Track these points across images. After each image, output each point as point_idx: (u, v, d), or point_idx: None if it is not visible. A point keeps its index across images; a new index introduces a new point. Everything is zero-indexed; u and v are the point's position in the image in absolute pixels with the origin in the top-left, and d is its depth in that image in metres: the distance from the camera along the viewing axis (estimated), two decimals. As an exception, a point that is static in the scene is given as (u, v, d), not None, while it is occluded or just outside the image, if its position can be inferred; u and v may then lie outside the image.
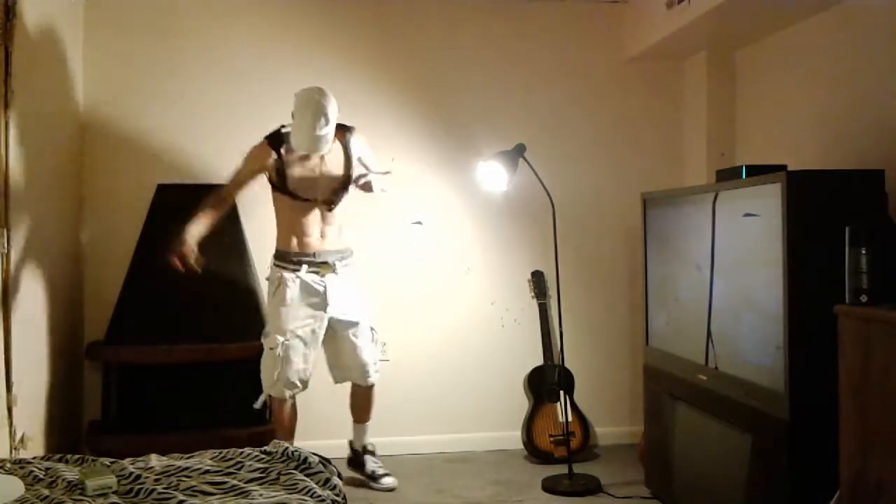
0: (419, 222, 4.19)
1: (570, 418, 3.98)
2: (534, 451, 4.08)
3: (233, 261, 3.96)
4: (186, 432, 3.65)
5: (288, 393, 3.50)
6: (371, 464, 3.73)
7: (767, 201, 2.58)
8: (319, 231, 3.53)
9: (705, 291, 3.05)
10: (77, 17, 3.97)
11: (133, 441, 3.52)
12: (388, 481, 3.67)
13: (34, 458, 2.52)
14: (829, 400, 2.30)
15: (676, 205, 3.42)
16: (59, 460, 2.47)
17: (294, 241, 3.51)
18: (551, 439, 4.05)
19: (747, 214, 2.80)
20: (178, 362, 3.66)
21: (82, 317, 4.00)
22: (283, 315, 3.45)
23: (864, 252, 2.23)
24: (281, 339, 3.44)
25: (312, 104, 3.32)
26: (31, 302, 3.27)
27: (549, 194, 3.79)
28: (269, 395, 3.56)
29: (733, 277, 2.91)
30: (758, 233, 2.72)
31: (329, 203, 3.51)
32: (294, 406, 3.60)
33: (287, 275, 3.48)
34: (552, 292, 4.17)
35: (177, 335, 3.72)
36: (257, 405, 3.60)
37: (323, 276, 3.50)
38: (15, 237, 3.10)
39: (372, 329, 3.66)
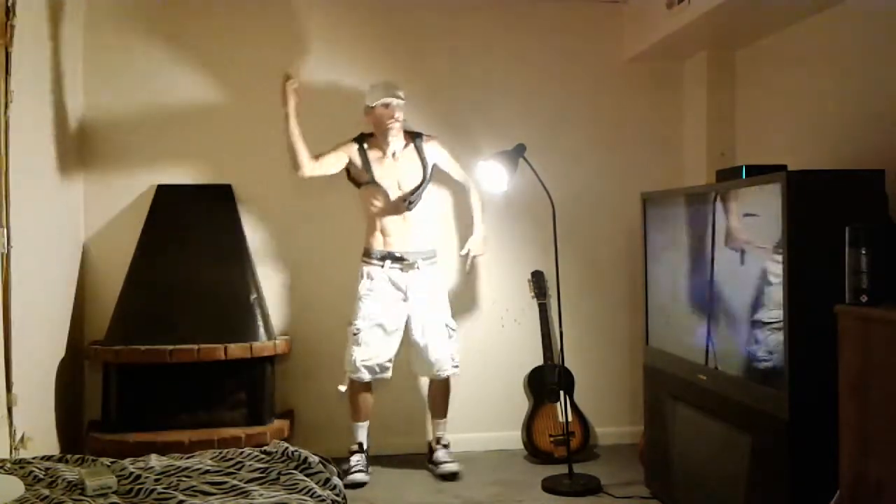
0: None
1: (570, 418, 3.98)
2: (534, 451, 4.08)
3: (233, 261, 3.96)
4: (186, 432, 3.65)
5: (364, 376, 3.74)
6: (440, 453, 3.89)
7: (767, 201, 2.59)
8: (402, 231, 3.80)
9: (705, 291, 3.05)
10: (77, 17, 3.96)
11: (133, 441, 3.54)
12: (449, 467, 3.81)
13: (34, 458, 2.52)
14: (829, 400, 2.30)
15: (676, 205, 3.42)
16: (59, 460, 2.47)
17: (379, 239, 3.80)
18: (551, 439, 4.05)
19: (747, 214, 2.80)
20: (177, 362, 3.66)
21: (82, 317, 4.00)
22: (364, 304, 3.75)
23: (864, 252, 2.23)
24: (360, 324, 3.73)
25: (382, 81, 3.80)
26: (31, 302, 3.27)
27: (549, 194, 3.79)
28: (350, 379, 3.77)
29: (733, 277, 2.91)
30: (758, 233, 2.72)
31: (407, 201, 3.76)
32: (369, 392, 3.84)
33: (369, 269, 3.78)
34: (552, 292, 4.16)
35: (177, 335, 3.72)
36: (341, 388, 3.79)
37: (406, 272, 3.76)
38: (15, 237, 3.10)
39: (448, 326, 3.84)
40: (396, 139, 3.80)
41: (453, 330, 3.89)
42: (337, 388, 3.80)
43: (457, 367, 3.89)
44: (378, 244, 3.80)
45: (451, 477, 3.77)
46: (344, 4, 4.21)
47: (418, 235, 3.84)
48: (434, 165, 3.90)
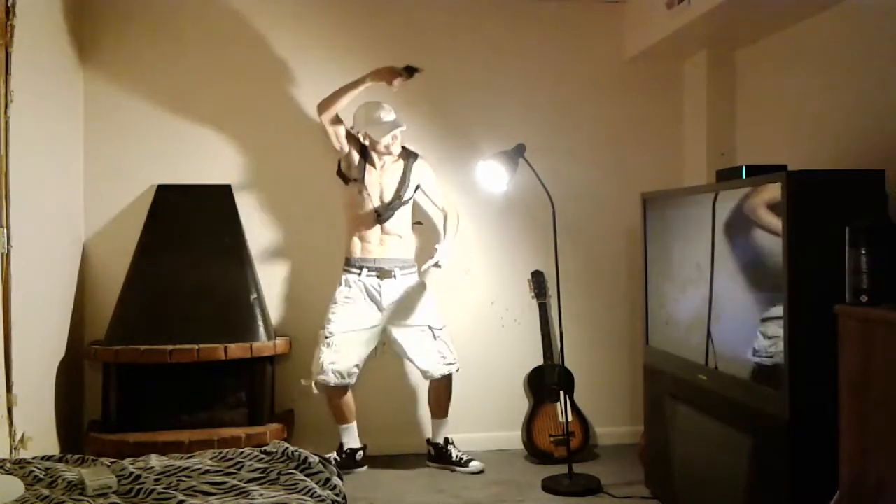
0: (419, 222, 4.17)
1: (570, 418, 3.98)
2: (534, 451, 4.08)
3: (233, 261, 3.96)
4: (186, 432, 3.66)
5: (329, 379, 3.74)
6: (455, 452, 3.95)
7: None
8: (380, 239, 3.84)
9: (705, 291, 3.05)
10: (77, 17, 3.96)
11: (133, 441, 3.54)
12: (475, 465, 3.89)
13: (34, 458, 2.52)
14: (829, 400, 2.30)
15: (676, 205, 3.42)
16: (59, 460, 2.47)
17: (357, 247, 3.84)
18: (551, 439, 4.05)
19: (748, 214, 2.80)
20: (177, 362, 3.66)
21: (82, 317, 4.00)
22: (337, 311, 3.79)
23: (864, 252, 2.23)
24: (332, 328, 3.76)
25: (371, 104, 3.80)
26: (31, 302, 3.27)
27: (549, 194, 3.79)
28: (314, 381, 3.78)
29: (733, 277, 2.91)
30: (758, 233, 2.72)
31: (379, 214, 3.79)
32: (346, 394, 3.84)
33: (347, 276, 3.83)
34: (552, 292, 4.16)
35: (176, 335, 3.72)
36: (303, 382, 3.83)
37: (382, 279, 3.80)
38: (15, 237, 3.10)
39: (431, 328, 3.87)
40: (389, 157, 3.88)
41: (439, 330, 3.89)
42: (300, 381, 3.85)
43: (451, 364, 3.90)
44: (356, 252, 3.84)
45: (481, 473, 3.87)
46: (343, 4, 4.21)
47: (396, 245, 3.88)
48: (418, 187, 3.96)
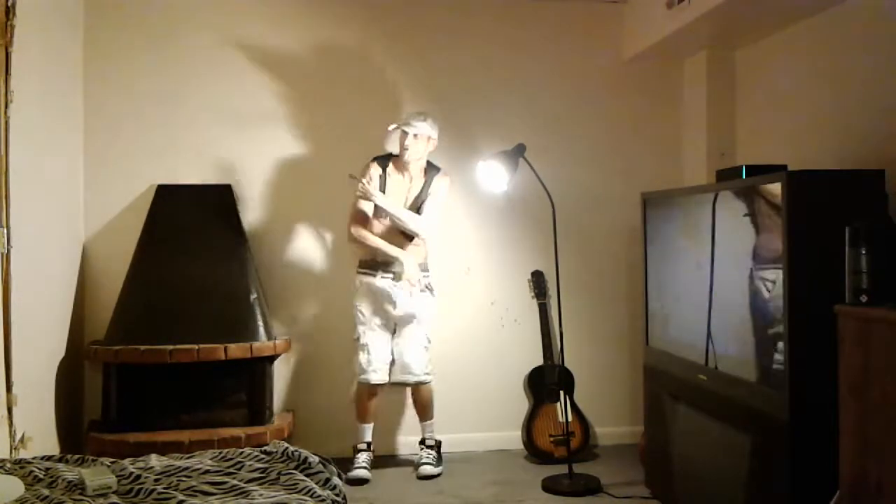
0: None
1: (570, 418, 3.98)
2: (534, 451, 4.08)
3: (233, 261, 3.96)
4: (186, 432, 3.66)
5: (374, 378, 3.82)
6: (423, 454, 3.93)
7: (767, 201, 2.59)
8: (397, 241, 3.84)
9: (705, 291, 3.05)
10: (77, 17, 3.97)
11: (133, 441, 3.54)
12: (424, 469, 3.85)
13: (34, 458, 2.52)
14: (829, 400, 2.30)
15: (676, 205, 3.42)
16: (59, 460, 2.47)
17: (376, 252, 3.83)
18: (551, 439, 4.05)
19: (747, 214, 2.80)
20: (177, 362, 3.66)
21: (82, 317, 4.00)
22: (362, 311, 3.86)
23: (864, 252, 2.23)
24: (362, 329, 3.84)
25: (410, 113, 3.89)
26: (31, 302, 3.27)
27: (549, 194, 3.79)
28: (358, 383, 3.86)
29: (733, 277, 2.91)
30: (758, 233, 2.72)
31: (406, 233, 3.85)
32: (375, 395, 3.89)
33: (364, 278, 3.86)
34: (552, 292, 4.16)
35: (177, 335, 3.72)
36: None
37: (397, 281, 3.82)
38: (15, 237, 3.10)
39: (426, 336, 3.91)
40: (413, 165, 3.86)
41: (429, 342, 3.92)
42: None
43: (428, 374, 3.91)
44: (374, 256, 3.85)
45: (428, 478, 3.81)
46: (343, 4, 4.21)
47: (412, 248, 3.87)
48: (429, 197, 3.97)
